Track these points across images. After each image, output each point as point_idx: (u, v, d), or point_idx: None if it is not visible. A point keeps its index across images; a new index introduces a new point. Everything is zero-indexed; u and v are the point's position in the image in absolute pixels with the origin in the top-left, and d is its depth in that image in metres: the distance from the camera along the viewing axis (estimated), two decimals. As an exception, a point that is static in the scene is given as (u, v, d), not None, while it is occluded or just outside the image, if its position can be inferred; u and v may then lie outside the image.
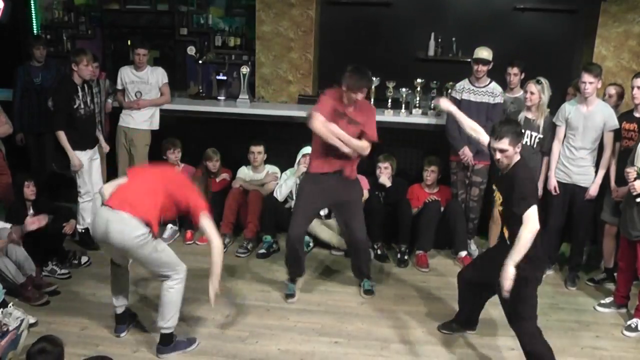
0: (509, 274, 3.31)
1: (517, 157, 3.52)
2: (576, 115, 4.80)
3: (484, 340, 4.17)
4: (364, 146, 4.33)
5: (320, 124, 4.15)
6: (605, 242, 4.95)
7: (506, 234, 3.62)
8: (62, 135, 5.20)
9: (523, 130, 4.69)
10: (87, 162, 5.39)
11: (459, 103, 5.31)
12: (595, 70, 4.71)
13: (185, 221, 5.82)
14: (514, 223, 3.43)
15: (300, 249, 4.63)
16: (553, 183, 4.94)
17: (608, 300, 4.66)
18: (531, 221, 3.32)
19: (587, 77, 4.67)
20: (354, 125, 4.29)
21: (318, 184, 4.43)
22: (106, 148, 5.79)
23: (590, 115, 4.76)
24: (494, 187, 3.74)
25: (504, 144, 3.44)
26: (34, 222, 4.40)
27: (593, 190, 4.85)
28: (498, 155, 3.50)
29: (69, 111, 5.19)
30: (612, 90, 5.20)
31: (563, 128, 4.89)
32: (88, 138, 5.45)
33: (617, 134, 4.75)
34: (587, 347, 4.13)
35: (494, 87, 5.26)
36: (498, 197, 3.65)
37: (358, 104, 4.30)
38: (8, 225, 4.58)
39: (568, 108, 4.88)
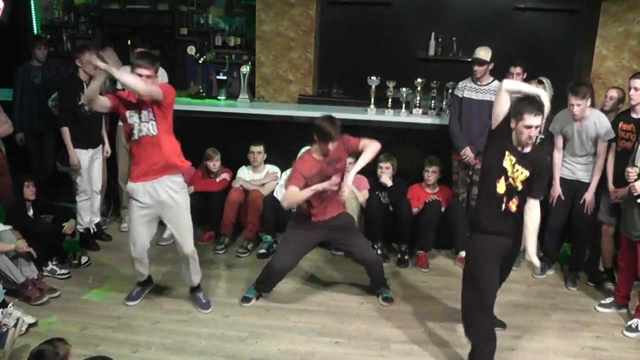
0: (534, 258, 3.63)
1: None
2: (570, 130, 4.80)
3: (484, 340, 4.16)
4: (375, 148, 4.38)
5: (293, 196, 4.18)
6: (603, 242, 4.94)
7: (513, 207, 3.64)
8: (65, 132, 5.19)
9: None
10: (88, 161, 5.38)
11: (460, 101, 5.32)
12: (582, 91, 4.58)
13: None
14: (524, 197, 3.63)
15: (279, 280, 4.62)
16: (558, 191, 4.93)
17: (608, 300, 4.65)
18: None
19: (574, 100, 4.60)
20: (337, 162, 4.35)
21: (311, 223, 4.47)
22: (107, 152, 5.75)
23: (584, 129, 4.74)
24: (514, 163, 3.62)
25: (540, 119, 3.52)
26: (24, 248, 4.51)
27: (589, 197, 4.84)
28: (534, 132, 3.52)
29: (74, 108, 5.19)
30: (613, 93, 5.18)
31: (560, 137, 4.90)
32: (92, 136, 5.43)
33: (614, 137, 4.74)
34: (587, 348, 4.12)
35: (497, 85, 5.24)
36: (520, 172, 3.60)
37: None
38: (8, 227, 4.59)
39: (562, 121, 4.84)
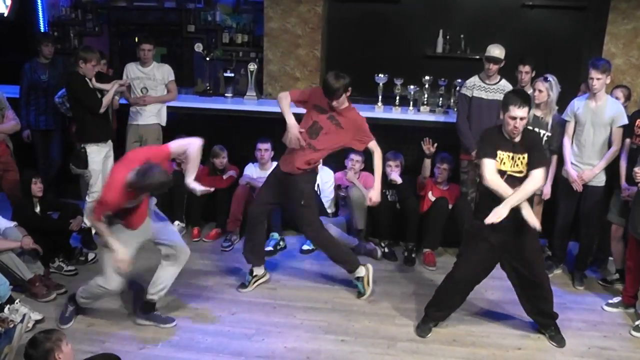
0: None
1: None
2: (585, 111, 4.78)
3: (491, 339, 4.16)
4: (380, 157, 4.57)
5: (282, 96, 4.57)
6: (613, 243, 4.91)
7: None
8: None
9: (531, 128, 4.66)
10: (101, 161, 5.38)
11: (469, 100, 5.28)
12: (603, 65, 4.65)
13: (192, 218, 5.83)
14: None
15: (259, 227, 4.74)
16: (573, 174, 4.86)
17: (616, 300, 4.63)
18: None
19: (594, 73, 4.63)
20: (335, 125, 4.43)
21: (279, 178, 4.60)
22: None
23: (599, 111, 4.72)
24: (512, 157, 3.80)
25: (526, 111, 3.70)
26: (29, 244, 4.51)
27: (586, 176, 4.79)
28: (519, 124, 3.70)
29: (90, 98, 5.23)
30: (619, 93, 5.14)
31: (572, 123, 4.87)
32: (103, 129, 5.42)
33: (626, 131, 4.70)
34: (595, 347, 4.10)
35: (505, 84, 5.22)
36: (521, 159, 3.78)
37: (343, 112, 4.44)
38: (12, 224, 4.60)
39: (577, 103, 4.86)
